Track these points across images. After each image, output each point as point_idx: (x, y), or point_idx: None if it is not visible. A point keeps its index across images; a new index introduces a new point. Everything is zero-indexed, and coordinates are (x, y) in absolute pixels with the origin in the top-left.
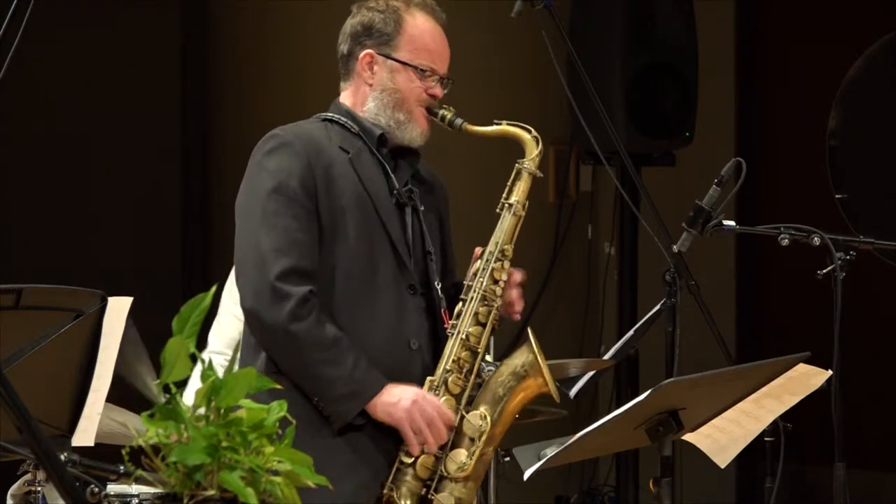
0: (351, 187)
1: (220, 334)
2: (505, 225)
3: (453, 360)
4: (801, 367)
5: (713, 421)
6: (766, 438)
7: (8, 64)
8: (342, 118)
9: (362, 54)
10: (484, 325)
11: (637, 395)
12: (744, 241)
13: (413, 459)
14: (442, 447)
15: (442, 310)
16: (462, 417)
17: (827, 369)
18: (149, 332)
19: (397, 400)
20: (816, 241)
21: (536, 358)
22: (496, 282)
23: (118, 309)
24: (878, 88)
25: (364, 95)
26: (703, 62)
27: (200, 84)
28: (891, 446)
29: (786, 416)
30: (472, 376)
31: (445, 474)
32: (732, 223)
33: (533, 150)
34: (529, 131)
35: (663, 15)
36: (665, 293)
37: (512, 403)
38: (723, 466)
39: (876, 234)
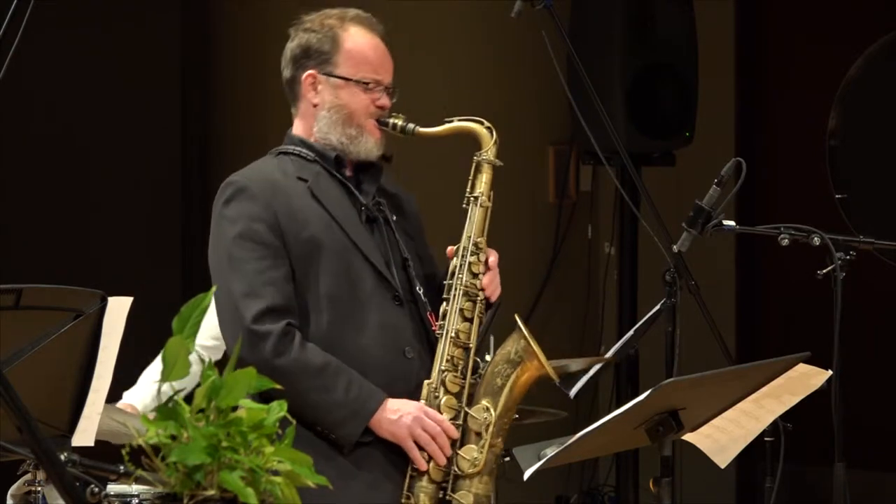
0: (315, 215)
1: (207, 328)
2: (474, 217)
3: (447, 360)
4: (801, 367)
5: (713, 421)
6: (766, 438)
7: (8, 64)
8: (296, 148)
9: (304, 75)
10: (471, 321)
11: (637, 395)
12: (744, 241)
13: None
14: (451, 446)
15: (428, 313)
16: (466, 414)
17: (827, 369)
18: (149, 332)
19: (398, 417)
20: (816, 241)
21: (528, 342)
22: (475, 275)
23: (118, 309)
24: (878, 88)
25: (312, 117)
26: (703, 62)
27: (200, 84)
28: (891, 446)
29: (786, 416)
30: (469, 372)
31: (460, 473)
32: (732, 223)
33: (488, 141)
34: (482, 123)
35: (663, 15)
36: (665, 293)
37: (513, 391)
38: (723, 466)
39: (876, 234)
